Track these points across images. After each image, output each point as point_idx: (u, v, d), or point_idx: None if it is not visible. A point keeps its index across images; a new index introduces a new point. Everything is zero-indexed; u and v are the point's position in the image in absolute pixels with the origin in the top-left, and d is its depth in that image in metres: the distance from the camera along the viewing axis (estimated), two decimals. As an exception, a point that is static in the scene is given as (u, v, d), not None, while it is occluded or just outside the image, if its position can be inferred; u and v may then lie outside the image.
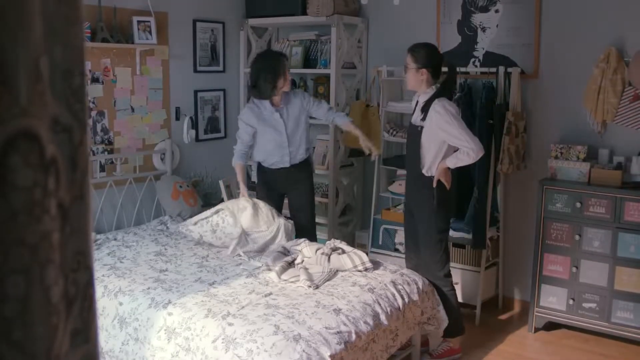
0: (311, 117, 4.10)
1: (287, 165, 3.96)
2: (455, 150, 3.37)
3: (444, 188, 3.42)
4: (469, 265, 4.23)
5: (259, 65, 3.84)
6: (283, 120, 3.91)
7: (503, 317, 4.33)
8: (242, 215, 3.79)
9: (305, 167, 4.07)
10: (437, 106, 3.33)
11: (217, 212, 3.86)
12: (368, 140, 3.87)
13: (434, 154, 3.40)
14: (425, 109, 3.39)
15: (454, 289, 3.62)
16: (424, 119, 3.40)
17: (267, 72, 3.78)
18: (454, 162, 3.36)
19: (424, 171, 3.44)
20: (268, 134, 3.91)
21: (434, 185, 3.40)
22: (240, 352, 2.55)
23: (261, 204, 3.85)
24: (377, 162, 4.58)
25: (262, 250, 3.73)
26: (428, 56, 3.40)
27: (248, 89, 4.51)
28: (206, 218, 3.88)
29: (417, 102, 3.52)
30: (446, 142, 3.36)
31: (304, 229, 4.01)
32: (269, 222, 3.82)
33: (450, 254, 3.97)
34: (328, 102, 4.66)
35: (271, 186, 4.03)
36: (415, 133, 3.47)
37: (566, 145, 3.93)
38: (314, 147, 4.74)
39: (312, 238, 3.98)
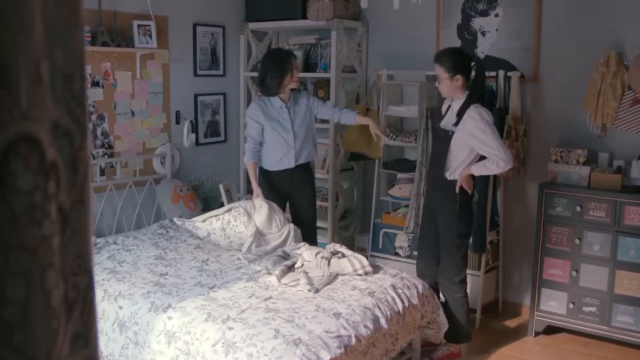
0: (317, 119, 4.13)
1: (292, 165, 3.97)
2: (481, 158, 3.32)
3: (466, 192, 3.39)
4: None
5: (267, 63, 3.92)
6: (290, 117, 3.94)
7: (503, 321, 4.32)
8: (257, 215, 3.80)
9: (308, 170, 4.11)
10: (473, 112, 3.28)
11: (229, 210, 3.87)
12: (377, 127, 3.94)
13: (461, 160, 3.35)
14: (460, 114, 3.33)
15: (466, 296, 3.59)
16: (456, 124, 3.34)
17: (273, 70, 3.85)
18: (480, 170, 3.31)
19: (446, 174, 3.40)
20: (274, 130, 3.92)
21: (457, 191, 3.37)
22: (240, 356, 2.54)
23: (275, 206, 3.87)
24: (377, 165, 4.59)
25: (272, 253, 3.73)
26: (456, 61, 3.33)
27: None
28: (217, 215, 3.89)
29: (450, 106, 3.46)
30: (475, 149, 3.31)
31: (305, 233, 4.01)
32: (281, 225, 3.85)
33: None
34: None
35: (275, 189, 4.02)
36: (444, 137, 3.41)
37: (566, 149, 3.93)
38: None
39: (313, 242, 3.99)
